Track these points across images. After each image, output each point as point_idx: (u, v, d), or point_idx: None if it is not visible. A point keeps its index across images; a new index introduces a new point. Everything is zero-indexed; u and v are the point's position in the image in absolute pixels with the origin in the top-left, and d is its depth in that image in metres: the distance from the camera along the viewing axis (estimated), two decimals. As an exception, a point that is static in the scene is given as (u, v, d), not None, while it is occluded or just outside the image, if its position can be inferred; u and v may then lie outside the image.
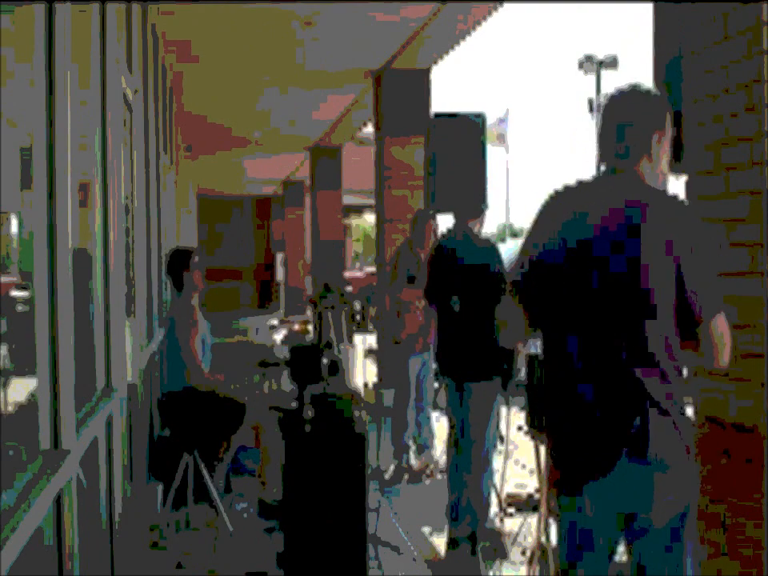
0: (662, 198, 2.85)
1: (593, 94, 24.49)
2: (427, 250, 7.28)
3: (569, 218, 2.86)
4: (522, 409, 4.36)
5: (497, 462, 5.64)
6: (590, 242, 2.80)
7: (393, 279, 7.70)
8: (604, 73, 25.54)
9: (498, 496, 5.74)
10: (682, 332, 2.77)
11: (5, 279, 2.70)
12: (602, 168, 2.96)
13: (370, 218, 36.90)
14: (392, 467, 7.35)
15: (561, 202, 2.94)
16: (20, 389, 2.79)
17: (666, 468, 2.75)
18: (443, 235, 5.96)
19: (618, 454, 2.73)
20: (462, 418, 5.42)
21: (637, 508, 2.77)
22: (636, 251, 2.74)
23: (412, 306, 7.29)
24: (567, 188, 2.95)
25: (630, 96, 2.95)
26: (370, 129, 13.93)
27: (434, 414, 8.03)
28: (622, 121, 2.92)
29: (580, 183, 2.95)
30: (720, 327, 2.77)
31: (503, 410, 5.73)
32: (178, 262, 6.18)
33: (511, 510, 5.81)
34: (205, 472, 5.73)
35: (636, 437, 2.72)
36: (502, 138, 25.57)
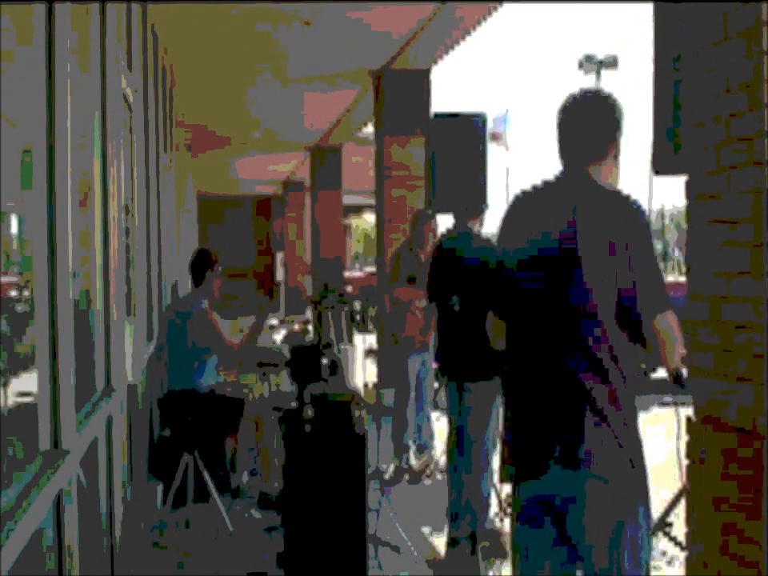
0: (612, 198, 2.90)
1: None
2: (427, 250, 7.28)
3: (522, 226, 2.98)
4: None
5: (496, 461, 5.64)
6: (538, 249, 2.88)
7: (392, 279, 7.71)
8: (604, 73, 25.56)
9: (498, 496, 5.74)
10: (630, 333, 2.79)
11: (5, 279, 2.70)
12: (561, 168, 3.02)
13: (369, 218, 36.90)
14: (392, 467, 7.35)
15: (519, 208, 3.05)
16: (20, 389, 2.79)
17: (599, 477, 2.77)
18: (443, 235, 5.97)
19: (550, 457, 2.78)
20: (461, 418, 5.42)
21: (567, 512, 2.80)
22: (576, 256, 2.79)
23: (411, 306, 7.29)
24: (526, 193, 3.04)
25: (589, 99, 3.03)
26: (370, 129, 13.93)
27: (434, 414, 8.02)
28: (581, 123, 2.99)
29: (537, 187, 3.02)
30: (668, 323, 2.78)
31: (503, 410, 5.72)
32: (203, 259, 6.39)
33: (511, 509, 5.79)
34: (205, 472, 5.73)
35: (568, 442, 2.76)
36: (501, 138, 25.57)
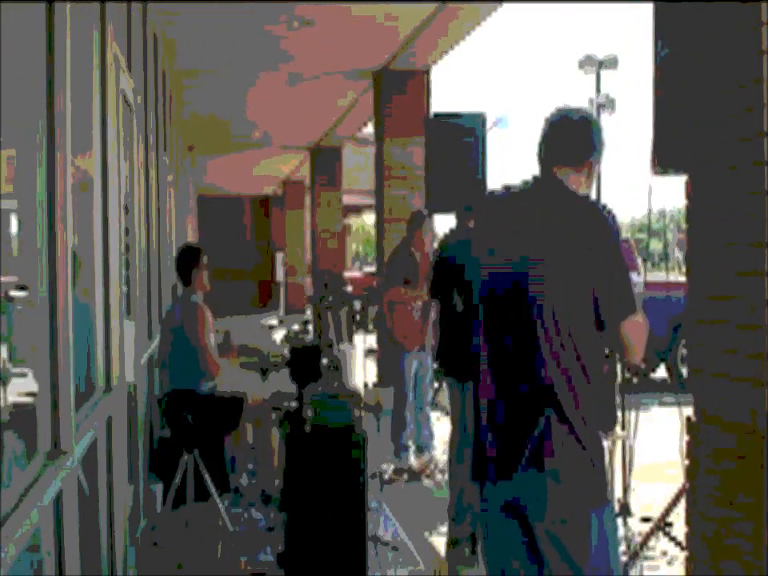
0: (581, 205, 2.93)
1: (593, 94, 24.51)
2: (421, 250, 7.30)
3: (492, 231, 3.02)
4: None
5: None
6: (504, 256, 2.92)
7: (388, 279, 7.71)
8: (604, 73, 25.54)
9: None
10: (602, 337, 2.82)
11: (5, 279, 2.70)
12: (536, 174, 3.05)
13: (369, 218, 36.93)
14: (392, 467, 7.35)
15: (490, 212, 3.10)
16: (20, 389, 2.79)
17: (563, 478, 2.77)
18: (445, 235, 5.97)
19: (518, 460, 2.79)
20: (462, 418, 5.42)
21: (530, 514, 2.81)
22: (542, 264, 2.82)
23: (408, 305, 7.30)
24: (497, 196, 3.09)
25: (573, 115, 3.06)
26: (370, 129, 13.94)
27: (434, 414, 8.02)
28: (565, 134, 3.02)
29: (507, 192, 3.06)
30: (628, 329, 2.80)
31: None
32: (187, 258, 6.26)
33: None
34: (205, 472, 5.72)
35: (534, 446, 2.78)
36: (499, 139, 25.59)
